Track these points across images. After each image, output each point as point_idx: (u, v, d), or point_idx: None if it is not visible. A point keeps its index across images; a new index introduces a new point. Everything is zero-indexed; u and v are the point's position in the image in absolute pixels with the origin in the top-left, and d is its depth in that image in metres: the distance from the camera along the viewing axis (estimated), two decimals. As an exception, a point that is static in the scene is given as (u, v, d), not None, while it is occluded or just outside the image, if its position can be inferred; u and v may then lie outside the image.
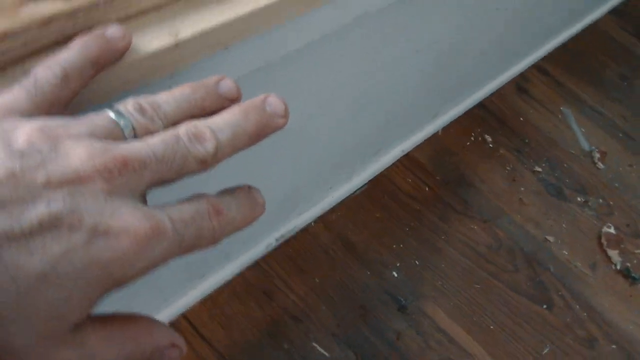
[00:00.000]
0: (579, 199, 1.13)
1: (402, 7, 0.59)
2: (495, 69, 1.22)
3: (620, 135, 1.27)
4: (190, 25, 0.36)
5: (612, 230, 1.09)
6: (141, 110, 0.27)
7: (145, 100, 0.28)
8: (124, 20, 0.34)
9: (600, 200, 1.14)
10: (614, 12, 1.58)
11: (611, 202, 1.14)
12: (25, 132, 0.23)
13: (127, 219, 0.23)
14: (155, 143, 0.25)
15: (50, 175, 0.22)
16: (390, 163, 1.06)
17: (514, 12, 0.98)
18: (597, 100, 1.32)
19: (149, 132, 0.27)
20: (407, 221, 1.00)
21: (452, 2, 0.72)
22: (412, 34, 0.71)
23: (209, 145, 0.27)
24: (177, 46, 0.35)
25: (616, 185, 1.17)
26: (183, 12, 0.36)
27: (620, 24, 1.56)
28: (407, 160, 1.07)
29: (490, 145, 1.16)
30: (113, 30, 0.30)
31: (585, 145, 1.23)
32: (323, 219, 0.95)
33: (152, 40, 0.34)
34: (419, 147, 1.10)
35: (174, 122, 0.28)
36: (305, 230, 0.94)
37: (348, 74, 0.65)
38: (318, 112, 0.68)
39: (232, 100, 0.31)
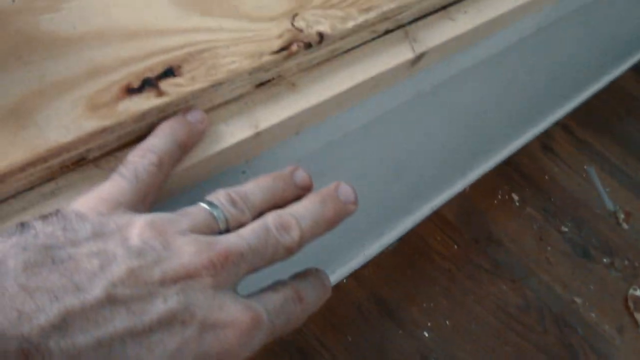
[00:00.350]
0: (605, 259, 1.15)
1: (440, 88, 0.62)
2: (521, 128, 1.25)
3: (644, 195, 1.29)
4: (269, 116, 0.38)
5: (638, 293, 1.10)
6: (232, 201, 0.29)
7: (234, 192, 0.30)
8: (208, 111, 0.36)
9: (626, 262, 1.15)
10: (635, 69, 1.61)
11: (636, 264, 1.15)
12: (137, 228, 0.25)
13: (232, 311, 0.25)
14: (249, 235, 0.27)
15: (164, 272, 0.23)
16: (420, 220, 1.07)
17: (539, 74, 1.01)
18: (621, 159, 1.35)
19: (240, 223, 0.29)
20: (438, 280, 1.01)
21: (485, 74, 0.75)
22: (446, 107, 0.73)
23: (295, 234, 0.29)
24: (257, 136, 0.37)
25: (641, 246, 1.18)
26: (262, 102, 0.38)
27: (641, 81, 1.59)
28: (437, 218, 1.09)
29: (517, 203, 1.18)
30: (194, 114, 0.33)
31: (609, 204, 1.24)
32: (355, 276, 0.97)
33: (235, 131, 0.36)
34: (448, 205, 1.12)
35: (260, 212, 0.30)
36: (337, 287, 0.95)
37: (389, 144, 0.68)
38: (358, 178, 0.70)
39: (306, 189, 0.33)
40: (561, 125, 1.38)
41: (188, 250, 0.25)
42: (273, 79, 0.38)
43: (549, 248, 1.13)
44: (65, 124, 0.29)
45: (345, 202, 0.33)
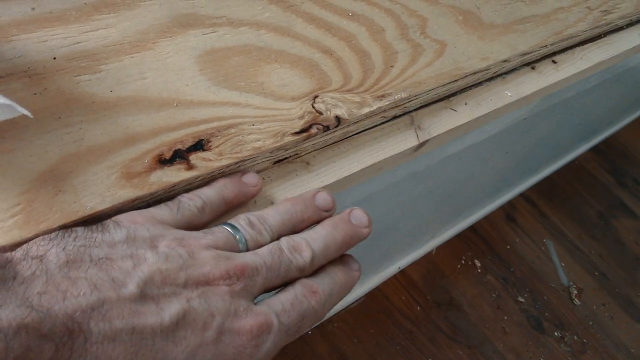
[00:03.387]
0: (556, 333, 1.19)
1: (431, 167, 0.65)
2: (487, 198, 1.30)
3: (596, 273, 1.34)
4: (284, 194, 0.40)
5: (585, 370, 1.14)
6: (251, 224, 0.32)
7: (254, 215, 0.32)
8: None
9: (575, 337, 1.20)
10: (595, 149, 1.70)
11: (585, 340, 1.20)
12: (167, 239, 0.27)
13: (243, 318, 0.27)
14: (264, 254, 0.30)
15: (188, 276, 0.26)
16: (387, 278, 1.09)
17: (514, 154, 1.06)
18: (577, 236, 1.41)
19: (258, 244, 0.31)
20: (399, 340, 1.03)
21: (470, 155, 0.78)
22: (431, 182, 0.76)
23: (306, 255, 0.31)
24: None
25: (590, 323, 1.23)
26: (278, 178, 0.40)
27: (599, 161, 1.67)
28: (402, 277, 1.12)
29: (479, 270, 1.22)
30: (249, 177, 0.35)
31: (564, 279, 1.29)
32: (320, 329, 0.98)
33: (251, 208, 0.38)
34: (414, 265, 1.15)
35: (279, 233, 0.33)
36: (302, 339, 0.96)
37: (376, 212, 0.70)
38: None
39: (327, 210, 0.36)
40: (525, 197, 1.43)
41: (209, 261, 0.27)
42: (290, 156, 0.40)
43: (505, 317, 1.16)
44: (101, 192, 0.30)
45: (357, 225, 0.35)
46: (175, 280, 0.25)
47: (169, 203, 0.31)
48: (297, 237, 0.32)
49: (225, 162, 0.35)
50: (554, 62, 0.62)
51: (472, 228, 1.27)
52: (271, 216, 0.33)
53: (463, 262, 1.20)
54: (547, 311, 1.19)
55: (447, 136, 0.51)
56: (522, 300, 1.19)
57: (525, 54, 0.56)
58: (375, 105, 0.43)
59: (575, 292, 1.26)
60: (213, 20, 0.42)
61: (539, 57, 0.60)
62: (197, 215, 0.31)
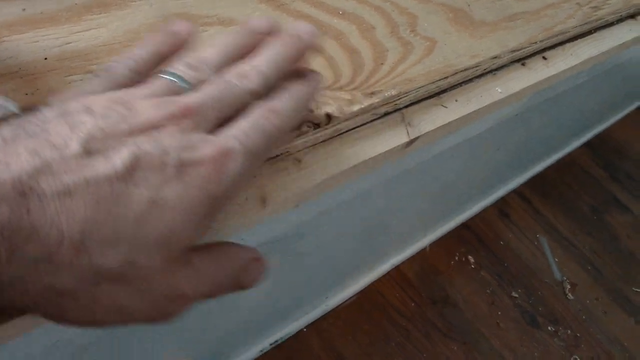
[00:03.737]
0: (550, 328, 1.20)
1: (422, 164, 0.65)
2: (481, 193, 1.30)
3: (590, 268, 1.35)
4: (276, 191, 0.40)
5: (579, 364, 1.15)
6: (190, 66, 0.30)
7: (191, 57, 0.30)
8: None
9: (569, 332, 1.20)
10: (588, 145, 1.71)
11: (578, 334, 1.21)
12: (101, 100, 0.26)
13: (201, 149, 0.26)
14: (209, 89, 0.28)
15: (131, 126, 0.25)
16: (381, 275, 1.10)
17: (506, 149, 1.07)
18: (571, 232, 1.42)
19: (202, 83, 0.29)
20: (394, 336, 1.03)
21: (462, 152, 0.79)
22: (423, 180, 0.77)
23: (254, 78, 0.30)
24: (263, 210, 0.39)
25: (584, 317, 1.24)
26: (269, 176, 0.40)
27: (593, 157, 1.68)
28: (397, 274, 1.12)
29: (473, 266, 1.22)
30: (178, 25, 0.33)
31: (557, 275, 1.30)
32: (315, 326, 0.98)
33: (244, 205, 0.38)
34: (408, 262, 1.15)
35: (221, 69, 0.31)
36: (297, 336, 0.96)
37: (369, 210, 0.71)
38: (336, 238, 0.72)
39: (268, 33, 0.33)
40: (518, 193, 1.44)
41: (149, 108, 0.26)
42: (281, 154, 0.40)
43: (499, 313, 1.17)
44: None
45: (302, 34, 0.33)
46: (118, 132, 0.24)
47: (97, 75, 0.29)
48: (240, 65, 0.30)
49: (216, 160, 0.35)
50: (544, 58, 0.63)
51: (466, 225, 1.28)
52: (209, 54, 0.31)
53: (457, 258, 1.20)
54: (541, 306, 1.20)
55: (438, 133, 0.51)
56: (516, 295, 1.20)
57: (515, 51, 0.57)
58: (366, 103, 0.44)
59: (569, 287, 1.27)
60: (204, 19, 0.42)
61: (529, 54, 0.60)
62: (130, 77, 0.30)
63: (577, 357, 1.15)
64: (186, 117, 0.26)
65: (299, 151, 0.42)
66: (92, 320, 0.24)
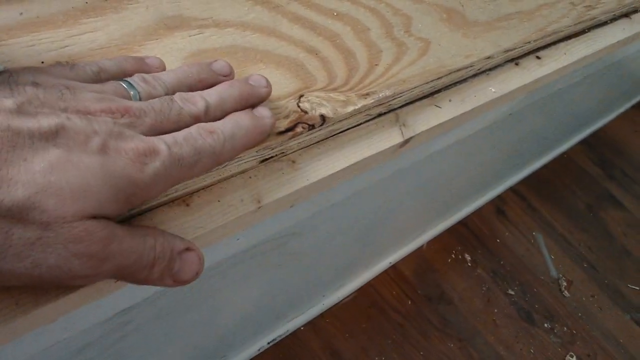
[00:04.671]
0: (546, 325, 1.20)
1: (417, 164, 0.65)
2: (477, 191, 1.31)
3: (585, 265, 1.36)
4: (271, 192, 0.40)
5: (574, 360, 1.16)
6: (144, 80, 0.32)
7: (148, 75, 0.33)
8: (214, 183, 0.38)
9: (565, 329, 1.21)
10: (583, 142, 1.71)
11: (574, 331, 1.21)
12: (50, 80, 0.27)
13: (128, 142, 0.27)
14: (153, 101, 0.30)
15: (68, 105, 0.26)
16: (378, 273, 1.11)
17: (502, 148, 1.07)
18: (566, 229, 1.42)
19: (152, 97, 0.31)
20: (391, 334, 1.04)
21: (456, 152, 0.79)
22: (418, 179, 0.77)
23: (200, 104, 0.32)
24: (258, 210, 0.40)
25: (579, 314, 1.25)
26: (264, 177, 0.41)
27: (588, 154, 1.69)
28: (393, 272, 1.13)
29: (469, 263, 1.23)
30: (151, 59, 0.36)
31: (553, 272, 1.31)
32: (313, 324, 0.99)
33: (240, 206, 0.39)
34: (405, 260, 1.16)
35: (174, 91, 0.33)
36: (295, 335, 0.97)
37: (364, 210, 0.71)
38: (331, 237, 0.73)
39: (225, 76, 0.36)
40: (514, 190, 1.45)
41: (92, 98, 0.28)
42: (276, 155, 0.41)
43: (495, 310, 1.17)
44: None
45: (255, 85, 0.36)
46: (54, 106, 0.26)
47: (60, 64, 0.31)
48: (191, 93, 0.32)
49: (212, 162, 0.35)
50: (537, 57, 0.63)
51: (462, 222, 1.28)
52: (166, 75, 0.33)
53: (453, 256, 1.21)
54: (537, 303, 1.21)
55: (432, 133, 0.51)
56: (512, 292, 1.21)
57: (508, 50, 0.57)
58: (360, 104, 0.44)
59: (565, 284, 1.27)
60: (199, 21, 0.42)
61: (522, 53, 0.61)
62: (90, 78, 0.31)
63: (572, 353, 1.15)
64: (123, 115, 0.28)
65: (293, 152, 0.42)
66: None
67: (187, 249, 0.31)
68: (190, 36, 0.41)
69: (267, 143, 0.38)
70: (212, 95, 0.33)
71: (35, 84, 0.26)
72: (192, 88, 0.34)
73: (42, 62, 0.35)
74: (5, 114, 0.24)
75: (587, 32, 0.71)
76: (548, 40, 0.64)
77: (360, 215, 0.72)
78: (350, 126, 0.46)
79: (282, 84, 0.42)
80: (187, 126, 0.31)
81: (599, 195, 1.57)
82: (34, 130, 0.24)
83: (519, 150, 1.23)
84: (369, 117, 0.47)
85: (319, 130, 0.42)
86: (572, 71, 0.68)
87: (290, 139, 0.40)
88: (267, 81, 0.37)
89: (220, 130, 0.32)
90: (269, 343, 0.92)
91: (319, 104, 0.42)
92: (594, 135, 1.75)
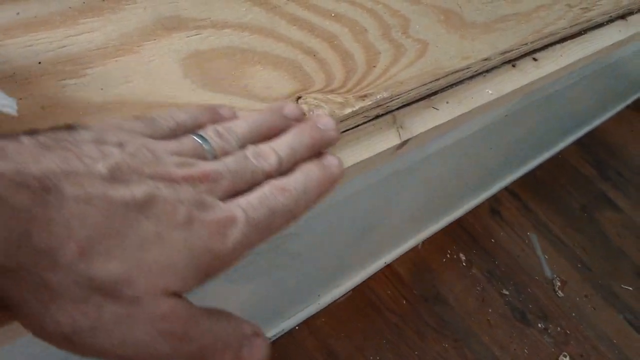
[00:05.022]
0: (540, 325, 1.21)
1: (414, 165, 0.65)
2: (472, 191, 1.31)
3: (579, 265, 1.36)
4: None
5: (568, 360, 1.16)
6: (218, 134, 0.32)
7: (221, 126, 0.33)
8: None
9: (559, 329, 1.22)
10: (578, 143, 1.72)
11: (568, 331, 1.22)
12: (135, 142, 0.28)
13: (210, 211, 0.27)
14: (228, 161, 0.30)
15: (153, 171, 0.26)
16: (373, 273, 1.11)
17: (498, 149, 1.07)
18: (561, 229, 1.43)
19: (226, 152, 0.32)
20: (386, 334, 1.04)
21: (453, 153, 0.80)
22: (414, 180, 0.77)
23: (272, 160, 0.32)
24: None
25: (573, 314, 1.25)
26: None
27: (583, 155, 1.69)
28: (389, 272, 1.13)
29: (464, 263, 1.23)
30: (225, 110, 0.36)
31: (548, 272, 1.31)
32: (308, 324, 0.99)
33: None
34: (400, 260, 1.16)
35: (247, 142, 0.33)
36: (290, 334, 0.96)
37: (361, 210, 0.71)
38: (328, 237, 0.73)
39: (296, 119, 0.37)
40: (510, 190, 1.45)
41: (173, 164, 0.28)
42: (274, 156, 0.41)
43: (490, 310, 1.18)
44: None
45: (323, 129, 0.36)
46: (141, 172, 0.26)
47: (141, 117, 0.31)
48: (262, 145, 0.33)
49: (210, 164, 0.35)
50: (534, 59, 0.64)
51: (458, 222, 1.29)
52: (239, 126, 0.33)
53: (448, 256, 1.21)
54: (531, 303, 1.21)
55: (429, 135, 0.51)
56: (507, 292, 1.21)
57: (506, 52, 0.57)
58: (358, 106, 0.44)
59: (559, 284, 1.28)
60: (197, 22, 0.42)
61: (519, 55, 0.61)
62: (167, 134, 0.31)
63: (566, 353, 1.16)
64: (202, 182, 0.28)
65: (291, 154, 0.42)
66: (71, 331, 0.24)
67: (255, 334, 0.31)
68: (187, 37, 0.41)
69: (265, 145, 0.38)
70: (283, 148, 0.33)
71: (120, 145, 0.27)
72: (263, 137, 0.34)
73: (40, 63, 0.34)
74: (99, 180, 0.24)
75: (583, 34, 0.71)
76: (545, 42, 0.64)
77: (356, 216, 0.72)
78: (347, 128, 0.46)
79: (280, 86, 0.42)
80: (260, 183, 0.31)
81: (593, 196, 1.58)
82: (128, 200, 0.24)
83: (515, 150, 1.23)
84: (367, 119, 0.47)
85: (317, 132, 0.42)
86: (568, 73, 0.68)
87: (288, 140, 0.40)
88: (335, 124, 0.37)
89: (292, 187, 0.32)
90: (264, 342, 0.91)
91: (316, 106, 0.42)
92: (589, 136, 1.76)
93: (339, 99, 0.44)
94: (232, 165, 0.30)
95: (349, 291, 1.05)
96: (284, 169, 0.33)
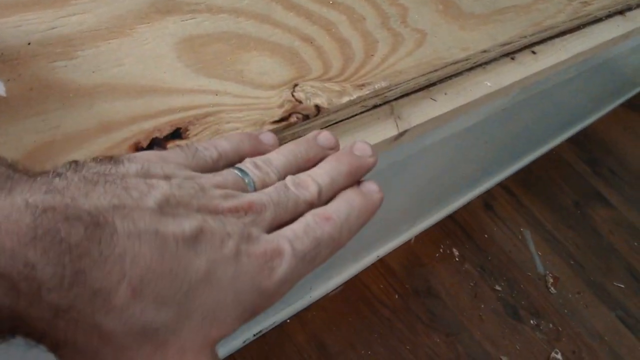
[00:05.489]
0: (532, 321, 1.21)
1: (410, 157, 0.65)
2: (466, 186, 1.31)
3: (572, 262, 1.36)
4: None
5: (559, 357, 1.16)
6: (257, 167, 0.32)
7: (259, 159, 0.33)
8: None
9: (551, 325, 1.21)
10: (572, 140, 1.72)
11: (560, 328, 1.22)
12: (180, 175, 0.28)
13: (257, 244, 0.27)
14: (270, 192, 0.30)
15: (200, 204, 0.26)
16: (365, 267, 1.10)
17: (494, 144, 1.07)
18: (554, 225, 1.43)
19: (265, 184, 0.32)
20: (377, 328, 1.04)
21: (450, 146, 0.79)
22: (410, 173, 0.77)
23: (313, 189, 0.32)
24: None
25: (565, 311, 1.25)
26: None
27: (577, 152, 1.69)
28: (381, 266, 1.12)
29: (457, 258, 1.23)
30: (267, 136, 0.36)
31: (540, 268, 1.31)
32: (299, 317, 0.98)
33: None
34: (393, 254, 1.15)
35: (285, 174, 0.33)
36: (281, 327, 0.96)
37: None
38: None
39: (331, 148, 0.36)
40: (503, 186, 1.45)
41: (219, 196, 0.28)
42: (269, 145, 0.40)
43: (482, 305, 1.17)
44: (76, 180, 0.30)
45: (361, 156, 0.35)
46: (188, 205, 0.26)
47: (185, 148, 0.31)
48: (302, 175, 0.33)
49: (203, 150, 0.34)
50: (533, 52, 0.63)
51: (451, 217, 1.28)
52: (276, 158, 0.33)
53: (441, 250, 1.21)
54: (524, 299, 1.21)
55: (427, 126, 0.51)
56: (499, 288, 1.21)
57: (505, 45, 0.57)
58: (356, 95, 0.43)
59: (551, 280, 1.28)
60: (192, 6, 0.41)
61: (518, 48, 0.60)
62: (210, 165, 0.31)
63: (558, 350, 1.16)
64: (247, 213, 0.28)
65: (286, 142, 0.41)
66: None
67: None
68: (182, 21, 0.40)
69: (260, 132, 0.37)
70: (323, 177, 0.33)
71: (167, 177, 0.27)
72: (301, 168, 0.34)
73: (29, 44, 0.33)
74: (149, 214, 0.23)
75: (582, 29, 0.70)
76: (544, 35, 0.63)
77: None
78: (345, 117, 0.45)
79: (276, 73, 0.41)
80: (302, 213, 0.31)
81: (586, 192, 1.58)
82: (178, 236, 0.24)
83: (510, 145, 1.23)
84: (364, 109, 0.46)
85: (314, 120, 0.41)
86: (566, 67, 0.67)
87: (284, 129, 0.39)
88: (372, 149, 0.36)
89: (336, 215, 0.31)
90: (254, 335, 0.91)
91: (313, 94, 0.42)
92: (583, 133, 1.76)
93: (337, 88, 0.43)
94: (274, 195, 0.30)
95: (341, 285, 1.05)
96: (324, 198, 0.33)
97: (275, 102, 0.40)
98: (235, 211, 0.28)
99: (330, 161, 0.34)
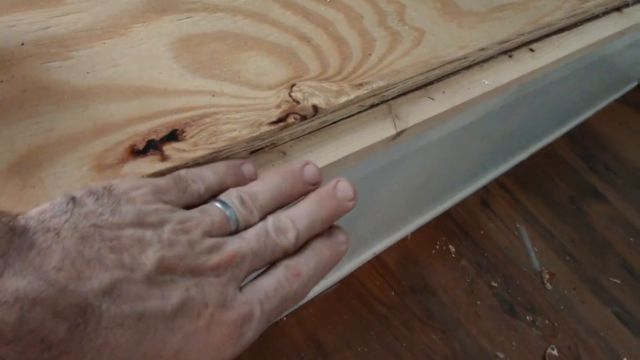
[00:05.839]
0: (528, 317, 1.21)
1: (408, 156, 0.64)
2: (462, 183, 1.31)
3: (568, 258, 1.36)
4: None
5: (555, 353, 1.16)
6: (243, 203, 0.32)
7: (245, 193, 0.33)
8: None
9: (547, 321, 1.22)
10: (568, 135, 1.72)
11: (556, 324, 1.22)
12: (172, 222, 0.28)
13: (231, 309, 0.28)
14: (251, 239, 0.31)
15: (187, 267, 0.27)
16: (361, 264, 1.10)
17: (490, 140, 1.07)
18: (550, 221, 1.43)
19: (248, 223, 0.32)
20: (374, 325, 1.03)
21: (447, 143, 0.79)
22: (407, 170, 0.76)
23: (291, 236, 0.32)
24: None
25: (561, 307, 1.25)
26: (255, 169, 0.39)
27: (573, 147, 1.69)
28: (377, 263, 1.12)
29: (453, 255, 1.23)
30: (247, 168, 0.36)
31: (536, 264, 1.31)
32: (295, 315, 0.98)
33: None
34: (389, 250, 1.15)
35: (268, 211, 0.33)
36: (277, 325, 0.96)
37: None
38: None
39: (314, 184, 0.36)
40: (499, 182, 1.45)
41: (205, 253, 0.28)
42: (266, 146, 0.40)
43: (478, 302, 1.17)
44: (70, 184, 0.29)
45: (342, 199, 0.36)
46: (176, 269, 0.26)
47: (177, 181, 0.31)
48: (283, 217, 0.33)
49: (200, 153, 0.34)
50: (531, 50, 0.63)
51: (447, 213, 1.28)
52: (261, 193, 0.33)
53: (437, 247, 1.21)
54: (520, 296, 1.21)
55: (425, 125, 0.50)
56: (495, 285, 1.21)
57: (503, 42, 0.56)
58: (353, 94, 0.43)
59: (547, 276, 1.28)
60: (188, 5, 0.40)
61: (516, 46, 0.60)
62: (196, 200, 0.32)
63: (554, 346, 1.16)
64: (227, 270, 0.29)
65: (284, 143, 0.41)
66: None
67: None
68: (178, 20, 0.39)
69: (257, 134, 0.37)
70: (302, 221, 0.33)
71: (161, 224, 0.27)
72: (283, 204, 0.34)
73: (23, 44, 0.33)
74: (138, 289, 0.24)
75: (579, 25, 0.70)
76: (541, 32, 0.63)
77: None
78: (342, 117, 0.44)
79: (273, 73, 0.41)
80: (276, 260, 0.32)
81: (582, 188, 1.58)
82: (159, 314, 0.25)
83: (506, 142, 1.22)
84: (362, 108, 0.46)
85: (311, 121, 0.41)
86: (564, 64, 0.67)
87: (282, 130, 0.39)
88: (354, 191, 0.36)
89: (305, 271, 0.32)
90: (251, 333, 0.90)
91: (311, 94, 0.41)
92: (579, 128, 1.76)
93: (334, 87, 0.43)
94: (254, 243, 0.31)
95: (337, 282, 1.05)
96: (300, 244, 0.33)
97: (272, 103, 0.39)
98: (216, 269, 0.28)
99: (312, 202, 0.34)
